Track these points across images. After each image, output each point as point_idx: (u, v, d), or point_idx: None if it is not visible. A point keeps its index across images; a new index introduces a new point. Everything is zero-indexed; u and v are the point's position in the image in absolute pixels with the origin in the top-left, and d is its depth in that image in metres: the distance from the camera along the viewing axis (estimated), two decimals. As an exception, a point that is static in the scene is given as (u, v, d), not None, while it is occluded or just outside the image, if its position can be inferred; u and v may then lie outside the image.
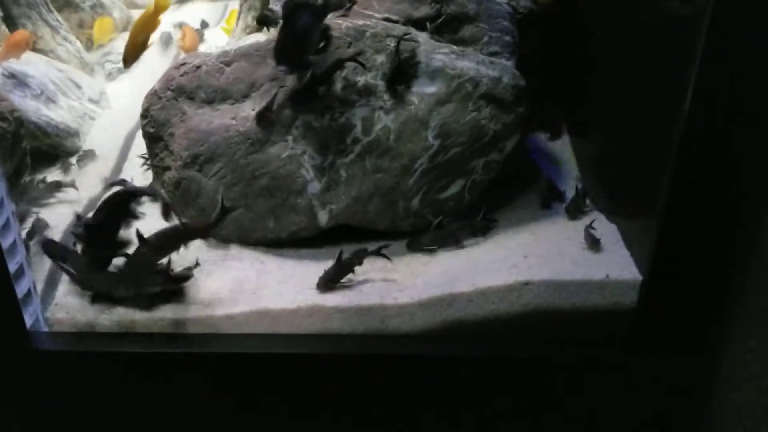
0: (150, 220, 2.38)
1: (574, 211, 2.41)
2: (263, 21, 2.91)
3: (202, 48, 3.61)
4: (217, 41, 3.63)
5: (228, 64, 2.53)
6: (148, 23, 2.38)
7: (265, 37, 3.06)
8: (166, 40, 3.48)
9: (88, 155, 2.90)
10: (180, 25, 3.84)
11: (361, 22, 2.42)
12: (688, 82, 1.73)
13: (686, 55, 1.73)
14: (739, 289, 1.93)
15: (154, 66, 3.53)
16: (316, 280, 2.22)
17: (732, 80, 1.71)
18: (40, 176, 2.73)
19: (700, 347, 2.06)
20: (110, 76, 3.54)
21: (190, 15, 4.01)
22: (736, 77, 1.70)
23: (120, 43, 3.71)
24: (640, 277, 2.09)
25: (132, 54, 2.38)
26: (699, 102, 1.74)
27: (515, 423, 2.21)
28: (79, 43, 3.43)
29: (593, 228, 2.27)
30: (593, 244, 2.22)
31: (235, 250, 2.40)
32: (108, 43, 3.65)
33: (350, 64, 2.33)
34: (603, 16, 2.55)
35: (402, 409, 2.20)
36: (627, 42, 2.30)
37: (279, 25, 2.09)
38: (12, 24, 3.14)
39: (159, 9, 2.38)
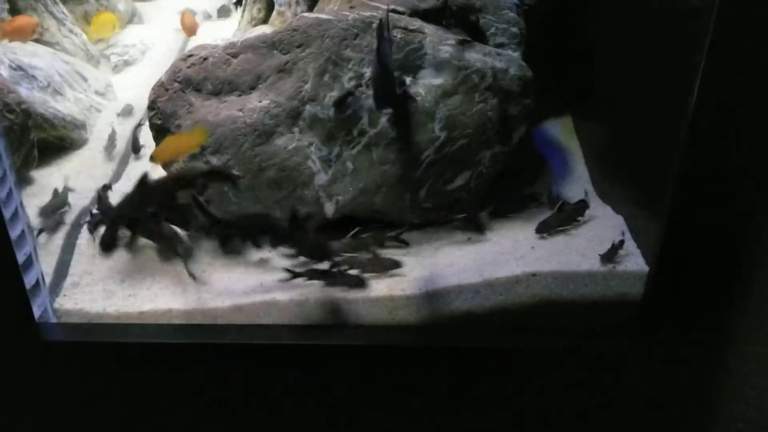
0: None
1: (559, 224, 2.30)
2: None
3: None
4: (222, 33, 3.64)
5: (235, 55, 2.52)
6: (183, 149, 2.41)
7: (271, 29, 3.07)
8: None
9: (127, 110, 3.12)
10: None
11: (367, 14, 2.42)
12: (697, 72, 1.72)
13: (694, 45, 1.73)
14: (748, 280, 1.93)
15: (160, 58, 3.54)
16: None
17: (741, 70, 1.70)
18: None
19: (707, 338, 2.06)
20: (116, 69, 3.55)
21: (199, 3, 4.01)
22: (745, 67, 1.70)
23: (126, 36, 3.73)
24: (646, 268, 2.09)
25: (161, 162, 2.44)
26: (707, 92, 1.73)
27: (521, 413, 2.21)
28: (84, 36, 3.43)
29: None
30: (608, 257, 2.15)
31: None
32: (109, 37, 3.65)
33: (358, 56, 2.33)
34: (610, 6, 2.55)
35: (409, 400, 2.21)
36: (634, 32, 2.30)
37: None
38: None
39: (196, 138, 2.41)
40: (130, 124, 3.09)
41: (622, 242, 2.16)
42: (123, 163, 2.88)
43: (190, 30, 3.40)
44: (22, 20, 2.96)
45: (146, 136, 2.90)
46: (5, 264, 2.03)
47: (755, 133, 1.79)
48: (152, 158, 2.34)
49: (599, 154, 2.64)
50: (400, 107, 1.96)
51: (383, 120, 2.33)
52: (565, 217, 2.32)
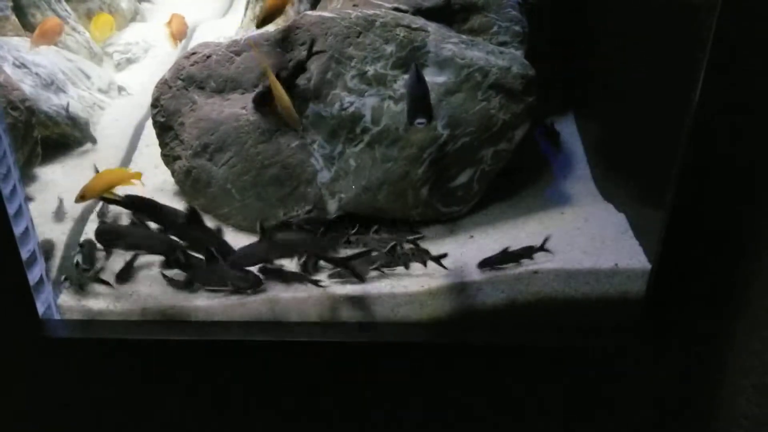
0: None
1: None
2: None
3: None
4: (225, 32, 3.64)
5: (238, 53, 2.53)
6: (114, 183, 2.37)
7: (274, 27, 3.07)
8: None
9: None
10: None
11: (370, 12, 2.42)
12: (699, 70, 1.73)
13: (697, 43, 1.73)
14: (749, 277, 1.93)
15: (163, 56, 3.55)
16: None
17: (743, 68, 1.71)
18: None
19: (709, 335, 2.06)
20: (119, 67, 3.55)
21: (194, 5, 4.00)
22: (747, 64, 1.70)
23: (128, 34, 3.73)
24: (648, 266, 2.09)
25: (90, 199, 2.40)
26: (709, 90, 1.74)
27: (523, 410, 2.22)
28: (87, 33, 3.44)
29: None
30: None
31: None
32: (109, 37, 3.64)
33: (361, 54, 2.34)
34: (612, 4, 2.55)
35: (411, 396, 2.21)
36: (637, 29, 2.30)
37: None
38: (22, 14, 3.15)
39: (130, 175, 2.39)
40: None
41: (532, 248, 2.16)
42: (126, 161, 2.89)
43: (178, 34, 3.38)
44: (48, 24, 2.97)
45: (149, 134, 2.92)
46: (9, 260, 2.03)
47: (756, 130, 1.79)
48: (82, 197, 2.27)
49: (601, 151, 2.64)
50: (430, 120, 2.07)
51: (386, 117, 2.34)
52: (392, 261, 2.21)
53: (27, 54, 2.93)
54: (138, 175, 2.36)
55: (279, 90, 2.26)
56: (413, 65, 2.12)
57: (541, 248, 2.16)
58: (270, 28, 3.03)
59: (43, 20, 3.07)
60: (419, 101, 2.03)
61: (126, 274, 2.26)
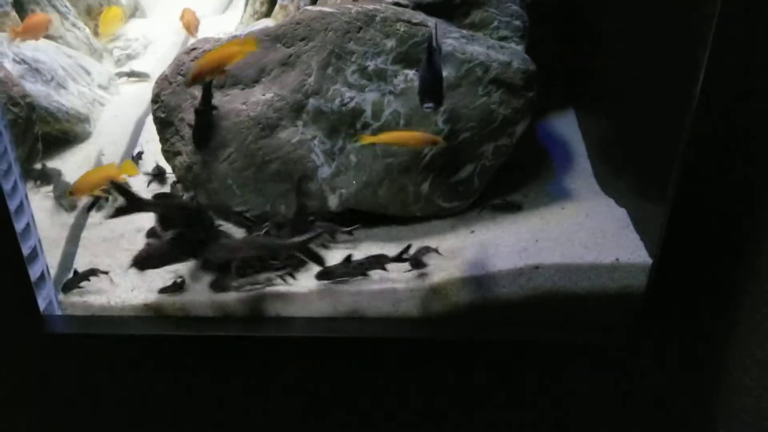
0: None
1: None
2: None
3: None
4: (225, 28, 3.64)
5: (238, 49, 2.52)
6: (105, 180, 2.36)
7: (274, 22, 3.07)
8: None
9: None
10: None
11: (370, 7, 2.42)
12: (700, 64, 1.73)
13: (698, 37, 1.73)
14: (749, 272, 1.93)
15: (162, 52, 3.55)
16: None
17: (745, 63, 1.70)
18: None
19: (709, 331, 2.06)
20: (119, 63, 3.55)
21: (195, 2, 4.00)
22: (748, 59, 1.70)
23: (129, 30, 3.72)
24: (649, 261, 2.09)
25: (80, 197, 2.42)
26: (711, 85, 1.73)
27: (524, 406, 2.22)
28: (87, 30, 3.44)
29: None
30: None
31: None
32: (115, 31, 3.65)
33: (362, 49, 2.34)
34: (613, 1, 2.55)
35: (412, 392, 2.21)
36: (638, 25, 2.30)
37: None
38: (22, 9, 3.15)
39: (121, 171, 2.41)
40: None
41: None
42: (127, 157, 2.89)
43: (191, 28, 3.40)
44: (34, 18, 2.97)
45: (150, 129, 2.91)
46: (10, 256, 2.04)
47: (757, 125, 1.79)
48: (71, 194, 2.32)
49: (602, 146, 2.64)
50: (441, 105, 2.07)
51: (387, 112, 2.34)
52: (350, 271, 2.20)
53: (27, 50, 2.93)
54: (126, 169, 2.37)
55: (390, 137, 2.28)
56: (427, 48, 2.12)
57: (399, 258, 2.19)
58: (271, 23, 3.03)
59: (30, 15, 3.08)
60: (428, 85, 2.02)
61: (72, 284, 2.23)
